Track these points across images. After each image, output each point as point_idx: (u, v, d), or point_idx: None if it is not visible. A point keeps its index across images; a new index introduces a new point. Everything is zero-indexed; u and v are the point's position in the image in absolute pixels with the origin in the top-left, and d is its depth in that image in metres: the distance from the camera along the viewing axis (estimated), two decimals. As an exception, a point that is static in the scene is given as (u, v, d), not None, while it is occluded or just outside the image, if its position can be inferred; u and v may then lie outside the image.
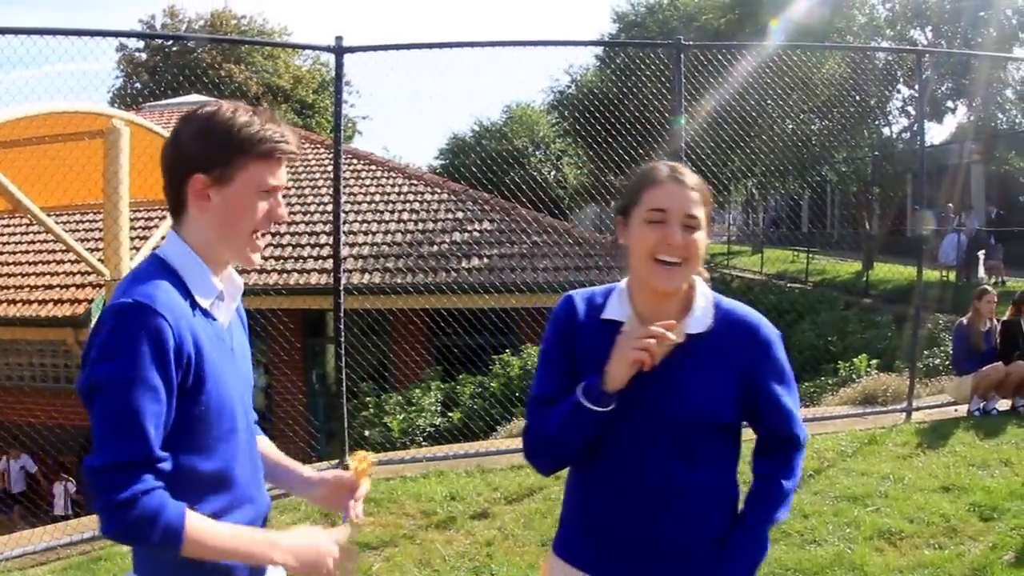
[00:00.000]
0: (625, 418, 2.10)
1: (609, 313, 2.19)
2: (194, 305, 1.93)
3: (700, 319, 2.15)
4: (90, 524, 5.94)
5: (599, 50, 29.18)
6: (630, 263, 2.17)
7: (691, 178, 2.12)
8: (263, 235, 2.02)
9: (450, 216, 14.61)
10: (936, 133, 27.85)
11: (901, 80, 21.26)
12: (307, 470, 2.28)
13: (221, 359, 1.95)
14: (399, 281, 12.27)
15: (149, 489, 1.74)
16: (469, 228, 14.22)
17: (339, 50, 6.48)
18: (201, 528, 1.79)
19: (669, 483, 2.12)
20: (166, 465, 1.80)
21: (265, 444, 2.25)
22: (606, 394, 2.07)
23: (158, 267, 1.95)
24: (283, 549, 1.90)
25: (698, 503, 2.14)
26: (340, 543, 2.00)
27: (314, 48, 7.28)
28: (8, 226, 14.99)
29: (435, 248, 13.50)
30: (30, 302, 12.20)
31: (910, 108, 22.63)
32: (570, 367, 2.20)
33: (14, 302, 12.27)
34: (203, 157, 1.93)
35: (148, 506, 1.73)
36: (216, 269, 2.01)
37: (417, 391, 11.07)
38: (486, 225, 14.18)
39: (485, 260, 13.18)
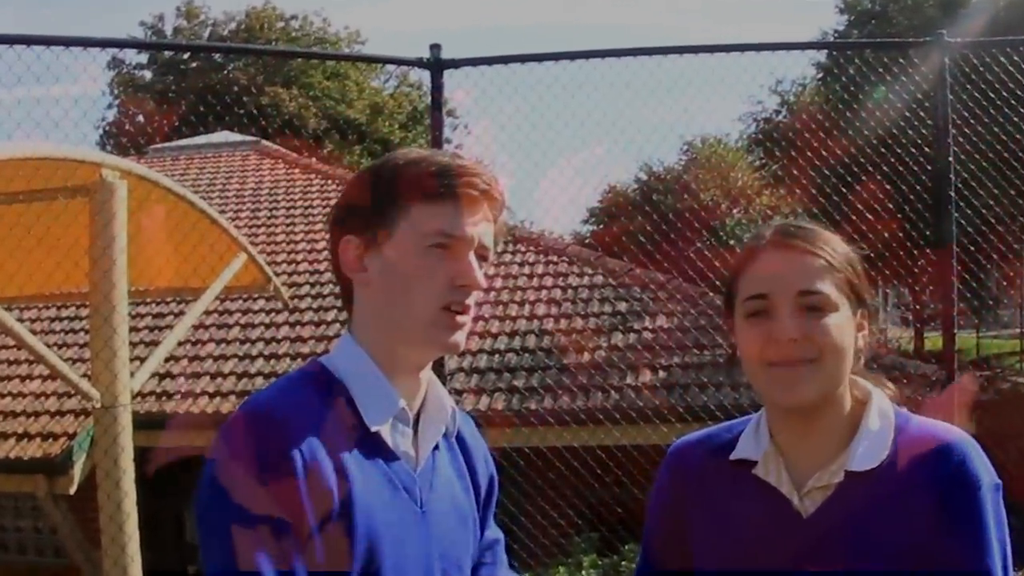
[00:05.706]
0: None
1: (740, 452, 1.70)
2: (360, 432, 1.57)
3: (868, 450, 1.60)
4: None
5: (820, 57, 22.67)
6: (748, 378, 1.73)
7: (812, 234, 1.63)
8: (457, 309, 1.51)
9: (607, 309, 12.09)
10: None
11: None
12: None
13: (389, 512, 1.49)
14: (532, 407, 10.11)
15: None
16: (637, 326, 11.67)
17: (436, 64, 5.37)
18: None
19: None
20: None
21: None
22: None
23: (308, 375, 1.58)
24: None
25: None
26: None
27: (401, 62, 5.75)
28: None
29: (586, 357, 10.94)
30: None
31: None
32: (676, 547, 1.75)
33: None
34: (353, 211, 1.56)
35: None
36: (399, 377, 1.54)
37: (562, 569, 9.40)
38: (661, 321, 11.58)
39: (662, 374, 10.69)
